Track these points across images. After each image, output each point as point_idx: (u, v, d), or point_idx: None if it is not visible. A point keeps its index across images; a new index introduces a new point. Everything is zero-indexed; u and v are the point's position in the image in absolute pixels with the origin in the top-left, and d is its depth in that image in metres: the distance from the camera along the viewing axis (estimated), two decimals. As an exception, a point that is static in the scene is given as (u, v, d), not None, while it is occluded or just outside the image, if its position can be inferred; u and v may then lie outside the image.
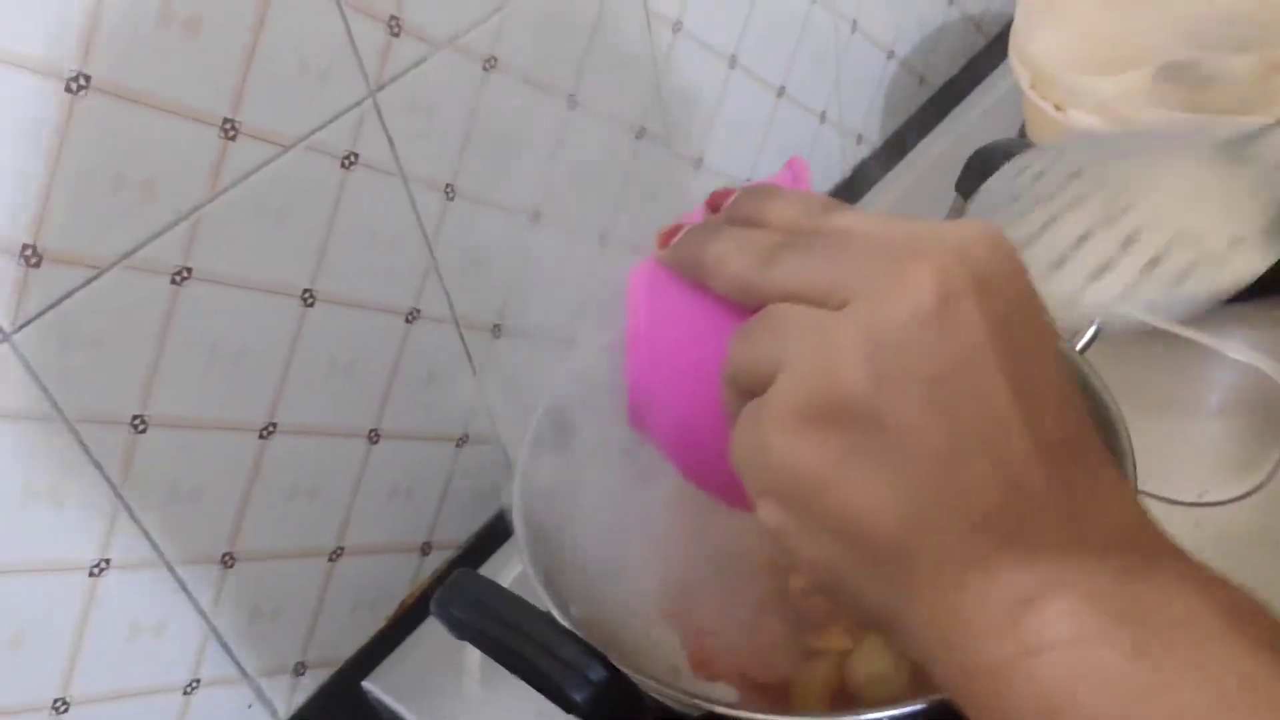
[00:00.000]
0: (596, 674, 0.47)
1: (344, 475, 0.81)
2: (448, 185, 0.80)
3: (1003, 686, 0.33)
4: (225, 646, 0.78)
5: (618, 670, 0.48)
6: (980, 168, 0.76)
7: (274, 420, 0.75)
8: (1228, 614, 0.32)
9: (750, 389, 0.38)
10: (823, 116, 1.15)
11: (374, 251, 0.77)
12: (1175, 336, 0.83)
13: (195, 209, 0.66)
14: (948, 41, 1.30)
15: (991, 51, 1.35)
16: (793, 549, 0.36)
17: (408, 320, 0.81)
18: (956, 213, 0.81)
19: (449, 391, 0.87)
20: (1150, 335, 0.80)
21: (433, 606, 0.53)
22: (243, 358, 0.71)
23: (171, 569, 0.73)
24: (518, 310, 0.89)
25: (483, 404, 0.90)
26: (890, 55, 1.21)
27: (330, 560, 0.83)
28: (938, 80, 1.31)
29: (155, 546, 0.71)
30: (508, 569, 0.81)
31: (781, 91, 1.08)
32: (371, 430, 0.82)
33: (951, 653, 0.34)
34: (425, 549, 0.90)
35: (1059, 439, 0.35)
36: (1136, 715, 0.31)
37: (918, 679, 0.64)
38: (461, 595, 0.52)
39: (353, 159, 0.73)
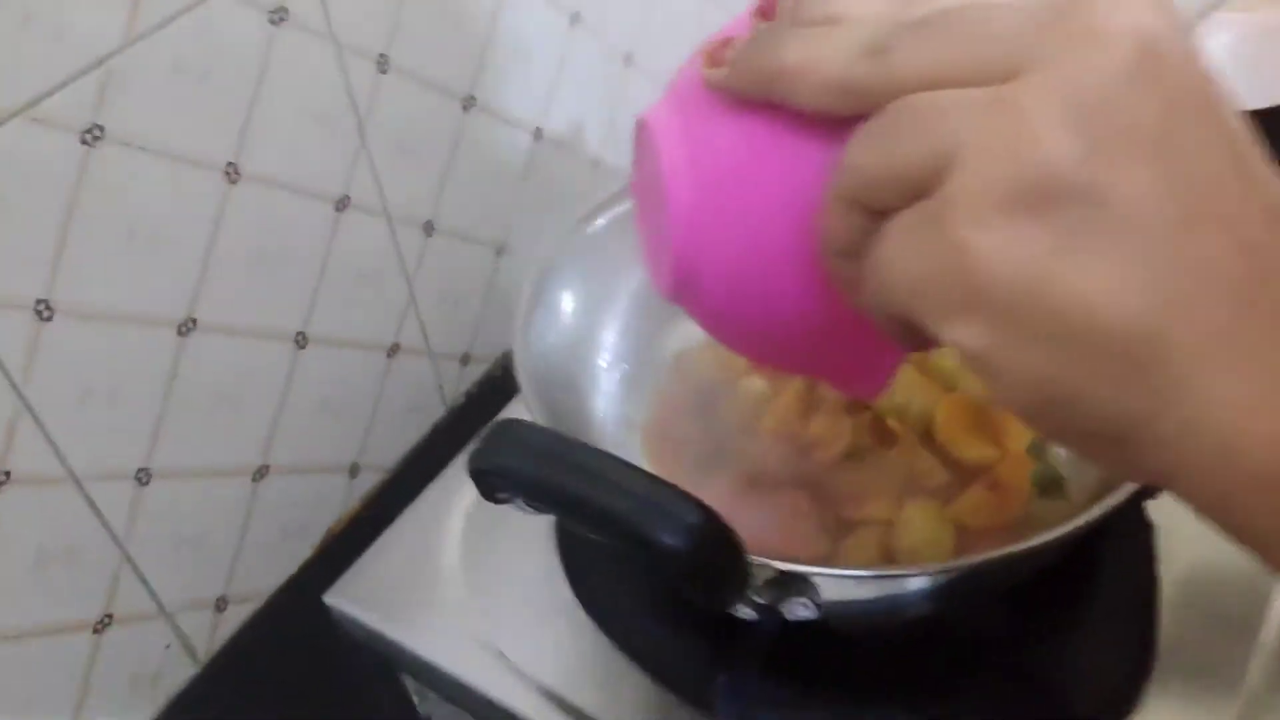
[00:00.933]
0: (694, 517, 0.41)
1: (269, 382, 0.73)
2: (381, 55, 0.72)
3: None
4: (141, 577, 0.69)
5: (714, 514, 0.42)
6: None
7: (194, 315, 0.66)
8: None
9: (891, 201, 0.32)
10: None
11: (303, 126, 0.68)
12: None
13: (109, 55, 0.57)
14: None
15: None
16: (1003, 373, 0.31)
17: (338, 209, 0.73)
18: None
19: (379, 293, 0.79)
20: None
21: (474, 461, 0.45)
22: (160, 238, 0.62)
23: (80, 485, 0.63)
24: (452, 205, 0.81)
25: (414, 310, 0.82)
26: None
27: (254, 480, 0.74)
28: None
29: (61, 458, 0.62)
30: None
31: (709, -12, 1.02)
32: (299, 333, 0.73)
33: (1230, 458, 0.29)
34: (354, 470, 0.82)
35: (1276, 201, 0.30)
36: None
37: (963, 543, 0.60)
38: (514, 442, 0.44)
39: (282, 14, 0.64)
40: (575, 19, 0.87)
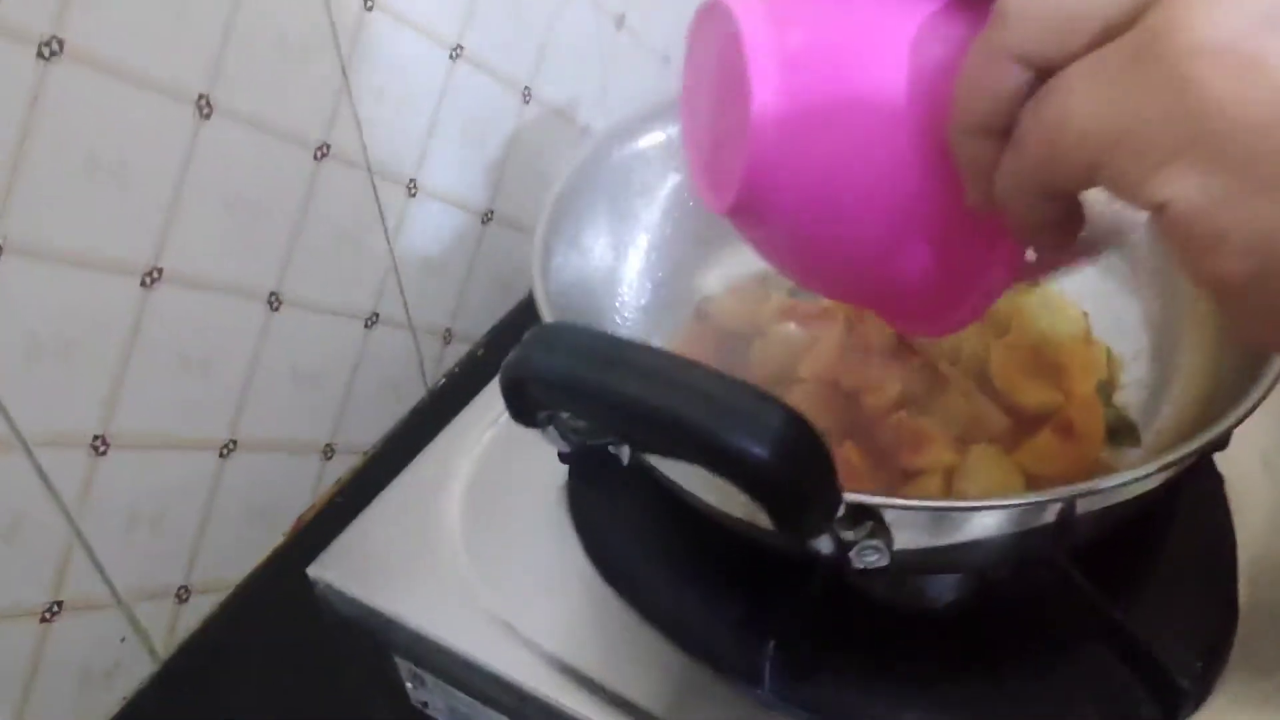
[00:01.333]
0: (778, 422, 0.34)
1: (239, 346, 0.66)
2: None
3: None
4: (95, 560, 0.61)
5: (806, 422, 0.35)
6: None
7: (159, 264, 0.59)
8: None
9: (1073, 45, 0.28)
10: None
11: (283, 61, 0.62)
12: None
13: (68, -41, 0.50)
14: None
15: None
16: (1228, 231, 0.26)
17: (316, 157, 0.66)
18: None
19: (359, 254, 0.72)
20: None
21: (509, 370, 0.38)
22: (124, 172, 0.56)
23: (29, 451, 0.56)
24: (437, 163, 0.75)
25: (395, 276, 0.76)
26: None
27: (221, 456, 0.67)
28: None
29: (9, 419, 0.55)
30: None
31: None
32: (272, 293, 0.67)
33: None
34: (328, 451, 0.75)
35: None
36: None
37: (1033, 485, 0.55)
38: (560, 345, 0.37)
39: (262, -69, 0.58)
40: (568, -28, 0.82)
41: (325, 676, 0.66)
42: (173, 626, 0.68)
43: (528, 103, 0.82)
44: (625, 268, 0.66)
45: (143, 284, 0.59)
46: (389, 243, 0.74)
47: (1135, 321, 0.65)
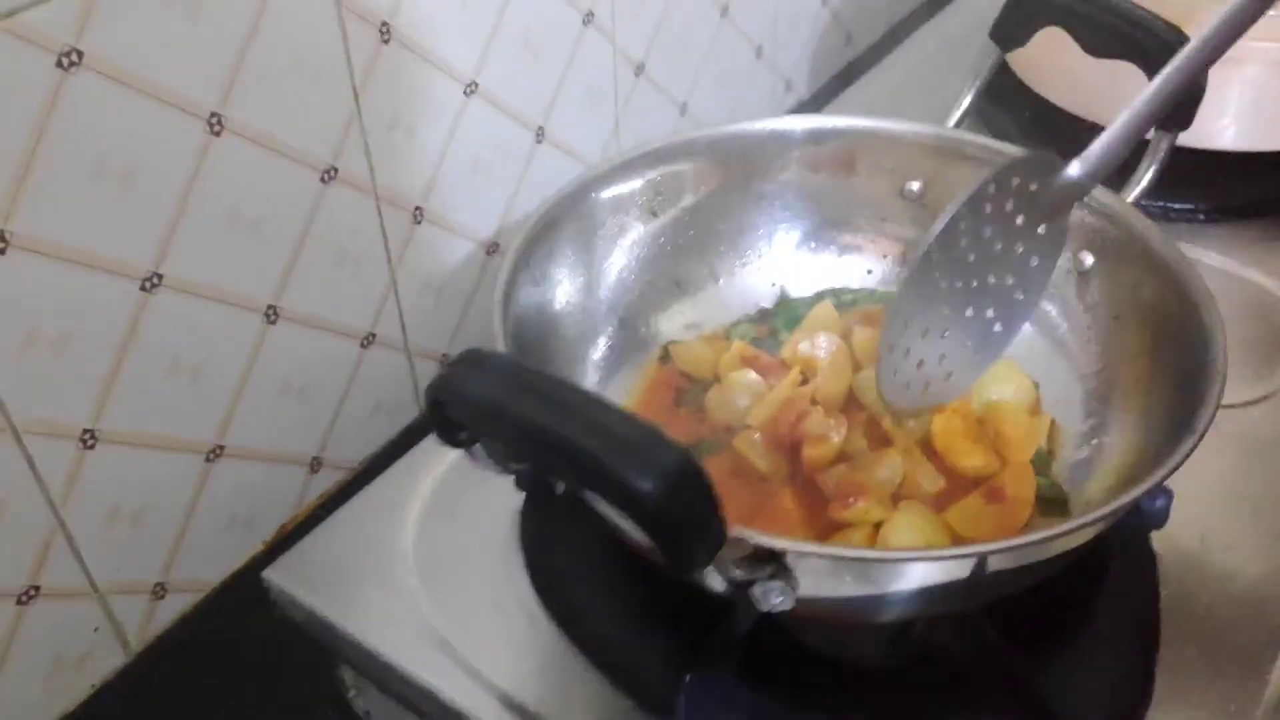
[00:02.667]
0: (668, 460, 0.36)
1: (233, 355, 0.68)
2: (384, 24, 0.69)
3: None
4: (75, 549, 0.64)
5: (694, 460, 0.37)
6: (1025, 11, 0.69)
7: (159, 270, 0.62)
8: None
9: None
10: (759, 51, 1.08)
11: (296, 84, 0.65)
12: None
13: (93, -24, 0.53)
14: (875, 2, 1.25)
15: (915, 19, 1.31)
16: None
17: (324, 180, 0.69)
18: (990, 67, 0.74)
19: (359, 276, 0.75)
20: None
21: (433, 390, 0.41)
22: (131, 179, 0.58)
23: (18, 437, 0.59)
24: (444, 194, 0.78)
25: (395, 299, 0.78)
26: (825, 2, 1.16)
27: (207, 460, 0.69)
28: (861, 43, 1.27)
29: (1, 406, 0.57)
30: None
31: (725, 10, 1.00)
32: (270, 307, 0.69)
33: None
34: (315, 465, 0.77)
35: None
36: None
37: (958, 545, 0.56)
38: (484, 371, 0.40)
39: (284, -38, 0.61)
40: (588, 19, 0.84)
41: (284, 680, 0.68)
42: (147, 621, 0.70)
43: (540, 142, 0.85)
44: (590, 308, 0.68)
45: (142, 288, 0.61)
46: (391, 267, 0.77)
47: (1080, 399, 0.66)
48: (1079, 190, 0.55)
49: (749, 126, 0.74)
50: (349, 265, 0.73)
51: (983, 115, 1.01)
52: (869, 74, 1.17)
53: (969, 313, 0.58)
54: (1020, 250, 0.57)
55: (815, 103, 1.18)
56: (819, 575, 0.45)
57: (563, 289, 0.66)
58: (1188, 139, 0.88)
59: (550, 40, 0.82)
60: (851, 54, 1.26)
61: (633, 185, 0.69)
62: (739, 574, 0.43)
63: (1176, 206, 0.90)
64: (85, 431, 0.62)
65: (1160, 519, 0.60)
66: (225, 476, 0.71)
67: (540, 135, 0.85)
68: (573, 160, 0.88)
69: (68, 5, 0.53)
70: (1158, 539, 0.63)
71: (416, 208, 0.77)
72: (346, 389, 0.77)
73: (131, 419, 0.64)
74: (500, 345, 0.55)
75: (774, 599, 0.44)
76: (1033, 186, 0.55)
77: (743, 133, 0.73)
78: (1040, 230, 0.57)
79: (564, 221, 0.66)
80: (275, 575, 0.62)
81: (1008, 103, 1.00)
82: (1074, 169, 0.55)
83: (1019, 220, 0.56)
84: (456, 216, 0.80)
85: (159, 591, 0.70)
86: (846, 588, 0.47)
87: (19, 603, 0.62)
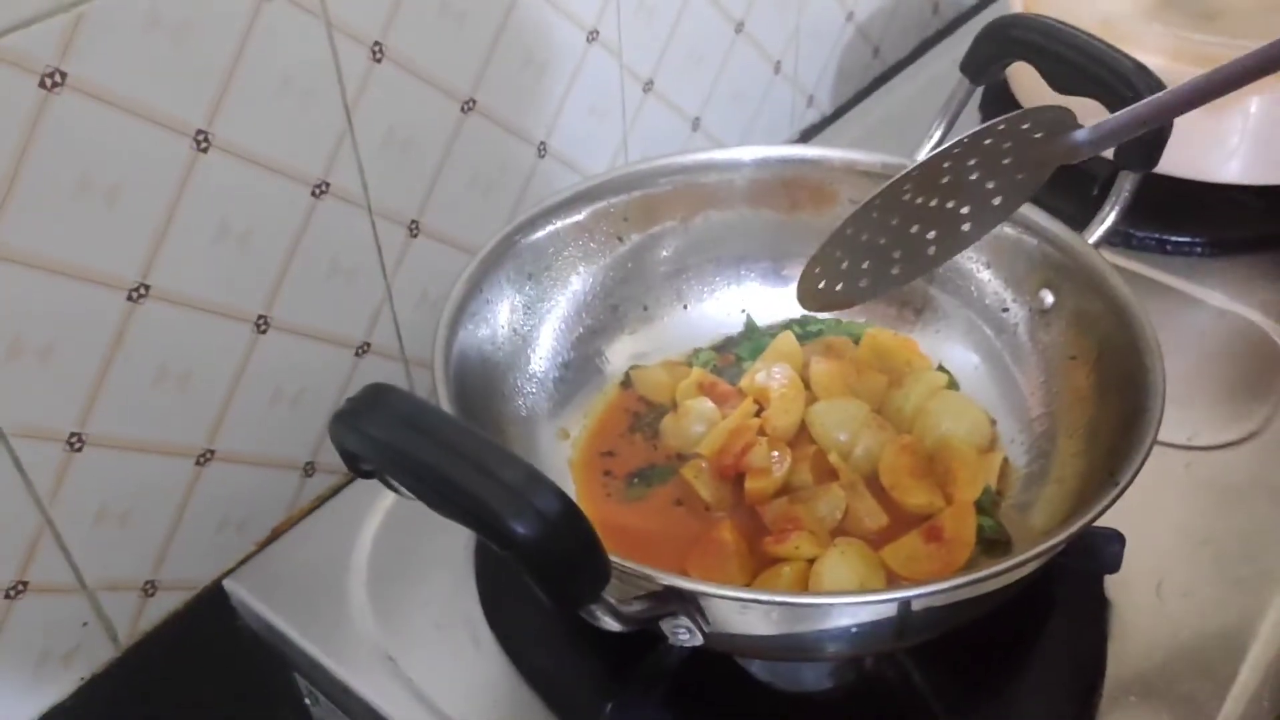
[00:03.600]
0: (548, 504, 0.37)
1: (223, 363, 0.70)
2: (376, 43, 0.70)
3: None
4: (63, 547, 0.66)
5: (571, 504, 0.38)
6: (992, 45, 0.69)
7: (147, 281, 0.64)
8: None
9: None
10: (778, 66, 1.08)
11: (285, 102, 0.67)
12: (1160, 285, 0.79)
13: (78, 2, 0.55)
14: (904, 16, 1.25)
15: (944, 36, 1.30)
16: None
17: (315, 194, 0.71)
18: (960, 101, 0.74)
19: (353, 288, 0.76)
20: (1134, 283, 0.75)
21: (335, 425, 0.42)
22: (117, 196, 0.61)
23: (5, 440, 0.61)
24: (441, 208, 0.79)
25: (390, 309, 0.80)
26: (850, 17, 1.15)
27: (198, 464, 0.72)
28: (891, 56, 1.26)
29: (-13, 410, 0.60)
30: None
31: (740, 26, 1.00)
32: (260, 316, 0.71)
33: None
34: (308, 470, 0.79)
35: None
36: None
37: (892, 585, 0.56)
38: (379, 409, 0.41)
39: (271, -16, 0.63)
40: (592, 36, 0.85)
41: (274, 679, 0.70)
42: (137, 617, 0.72)
43: (543, 156, 0.86)
44: (542, 337, 0.69)
45: (129, 298, 0.63)
46: (386, 278, 0.78)
47: (1027, 441, 0.66)
48: (1075, 153, 0.54)
49: (701, 157, 0.75)
50: (342, 276, 0.75)
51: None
52: (883, 89, 1.17)
53: (913, 229, 0.57)
54: (990, 186, 0.56)
55: (838, 118, 1.18)
56: (728, 613, 0.46)
57: (512, 322, 0.67)
58: (1190, 171, 0.87)
59: (552, 57, 0.83)
60: (880, 67, 1.25)
61: (581, 217, 0.71)
62: (641, 610, 0.43)
63: (1175, 239, 0.88)
64: (73, 435, 0.64)
65: (1113, 564, 0.60)
66: (216, 480, 0.73)
67: (543, 150, 0.86)
68: (575, 174, 0.89)
69: (52, 28, 0.55)
70: (1113, 584, 0.62)
71: (412, 221, 0.78)
72: (340, 397, 0.79)
73: (119, 423, 0.66)
74: (441, 388, 0.56)
75: (681, 636, 0.44)
76: (1037, 135, 0.55)
77: (696, 163, 0.73)
78: (1018, 176, 0.56)
79: (505, 260, 0.68)
80: (235, 585, 0.64)
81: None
82: (1081, 134, 0.54)
83: (1005, 161, 0.55)
84: (455, 230, 0.81)
85: (149, 589, 0.72)
86: (756, 627, 0.47)
87: (7, 597, 0.64)
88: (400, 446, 0.40)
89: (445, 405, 0.54)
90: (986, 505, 0.62)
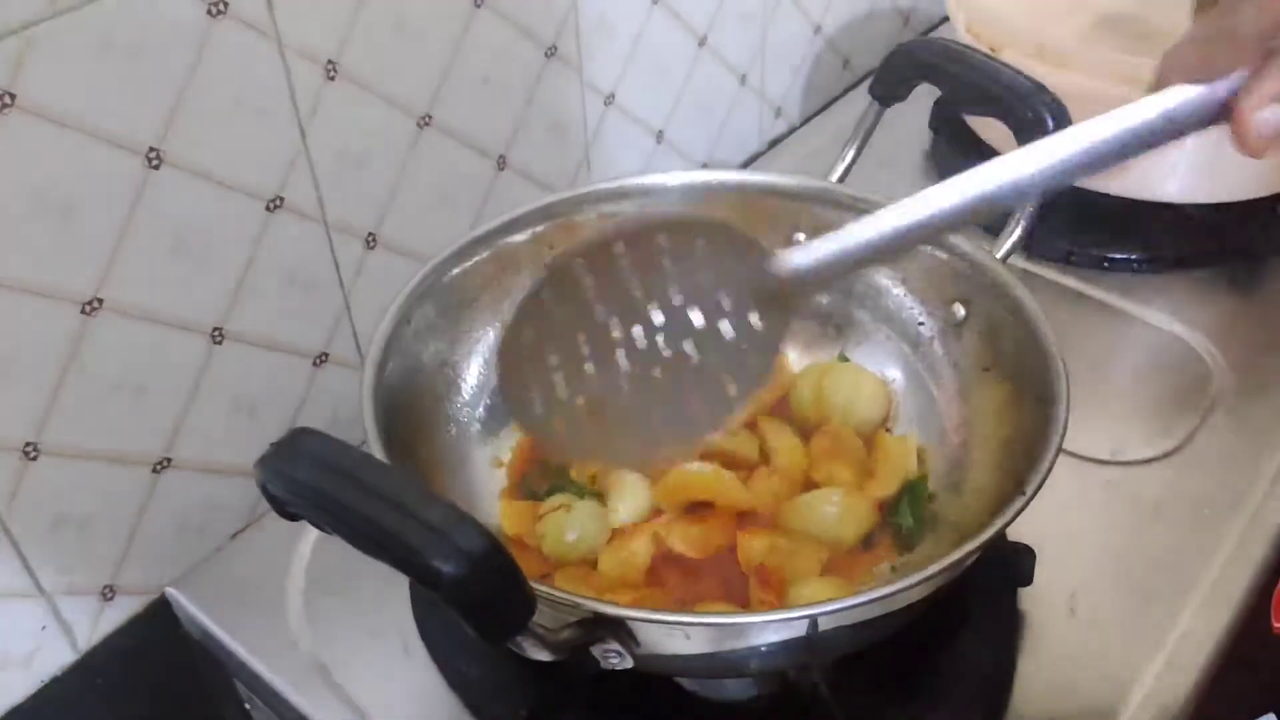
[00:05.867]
0: (469, 542, 0.39)
1: (179, 375, 0.72)
2: (330, 62, 0.72)
3: None
4: (20, 553, 0.68)
5: (494, 540, 0.40)
6: (899, 69, 0.71)
7: (100, 294, 0.65)
8: None
9: None
10: (743, 79, 1.09)
11: (238, 120, 0.68)
12: (1096, 301, 0.80)
13: (32, 23, 0.57)
14: (875, 28, 1.26)
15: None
16: None
17: (269, 209, 0.72)
18: (870, 124, 0.76)
19: (310, 299, 0.78)
20: (1071, 300, 0.76)
21: (258, 470, 0.44)
22: (70, 213, 0.62)
23: (-40, 450, 0.63)
24: (398, 222, 0.81)
25: (348, 319, 0.81)
26: (818, 30, 1.17)
27: (155, 471, 0.73)
28: (862, 66, 1.27)
29: (-58, 420, 0.61)
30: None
31: (704, 41, 1.02)
32: (216, 328, 0.73)
33: None
34: (268, 476, 0.81)
35: None
36: None
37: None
38: (301, 454, 0.43)
39: (222, 7, 0.64)
40: (550, 52, 0.87)
41: (204, 689, 0.71)
42: (96, 621, 0.74)
43: (502, 169, 0.88)
44: (470, 365, 0.71)
45: (83, 311, 0.65)
46: (344, 289, 0.80)
47: (945, 454, 0.67)
48: (797, 290, 0.46)
49: (629, 183, 0.75)
50: (299, 288, 0.77)
51: (936, 159, 1.02)
52: (846, 98, 1.18)
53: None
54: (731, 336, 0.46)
55: (808, 129, 1.19)
56: (657, 636, 0.47)
57: (439, 351, 0.69)
58: (1129, 190, 0.89)
59: (510, 73, 0.84)
60: (851, 79, 1.27)
61: (507, 244, 0.72)
62: (570, 638, 0.45)
63: (1113, 256, 0.90)
64: (27, 444, 0.65)
65: (1025, 578, 0.61)
66: (174, 487, 0.74)
67: (502, 163, 0.87)
68: (536, 186, 0.91)
69: (2, 50, 0.57)
70: (1027, 597, 0.64)
71: (369, 234, 0.80)
72: (300, 406, 0.81)
73: (75, 433, 0.67)
74: (370, 426, 0.57)
75: (611, 660, 0.46)
76: (735, 267, 0.46)
77: (620, 189, 0.74)
78: (754, 321, 0.46)
79: (432, 294, 0.69)
80: (178, 591, 0.65)
81: (962, 149, 1.01)
82: (785, 264, 0.45)
83: (724, 302, 0.46)
84: (413, 242, 0.83)
85: (108, 594, 0.74)
86: (684, 647, 0.49)
87: (-36, 601, 0.66)
88: (322, 489, 0.41)
89: (373, 443, 0.55)
90: (913, 501, 0.64)
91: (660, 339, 0.46)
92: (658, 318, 0.46)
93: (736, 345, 0.46)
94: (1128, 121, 0.43)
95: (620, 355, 0.46)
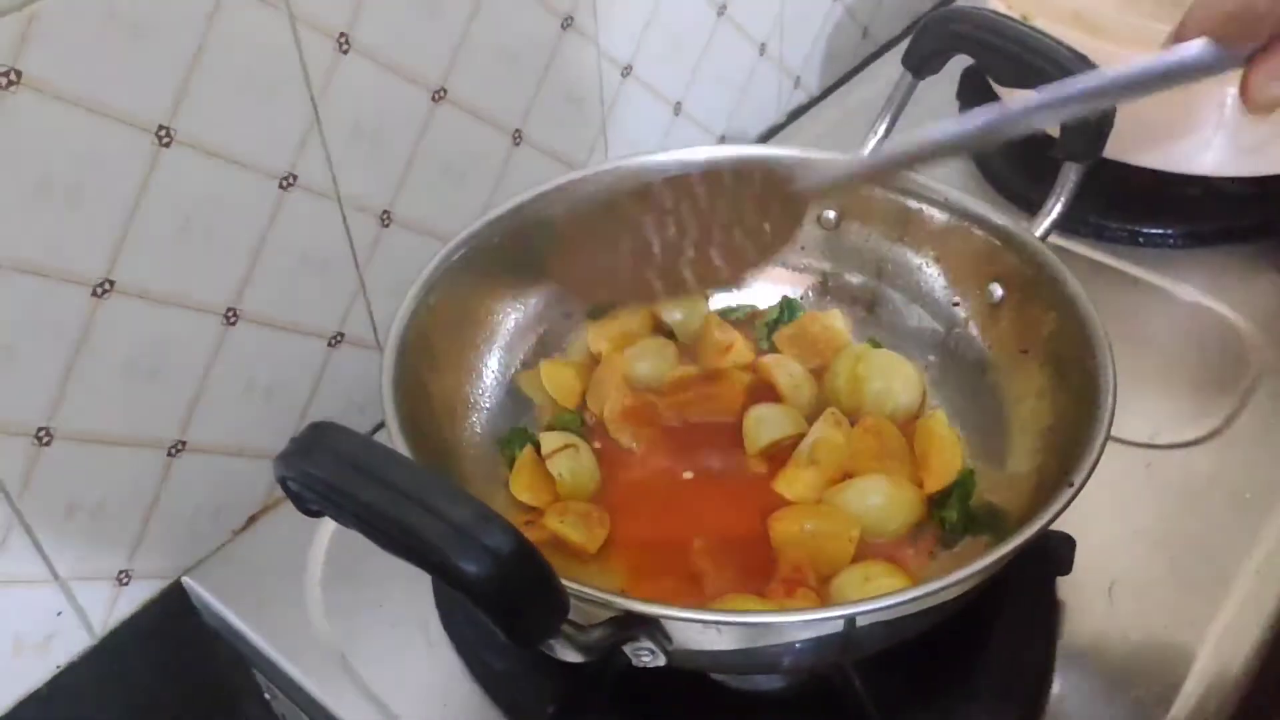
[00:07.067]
0: (497, 541, 0.37)
1: (192, 357, 0.71)
2: (342, 35, 0.70)
3: None
4: (34, 539, 0.67)
5: (523, 539, 0.38)
6: (933, 39, 0.69)
7: (110, 276, 0.64)
8: None
9: None
10: (763, 49, 1.07)
11: (249, 95, 0.67)
12: (1130, 277, 0.78)
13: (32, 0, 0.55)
14: (895, -4, 1.24)
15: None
16: None
17: (282, 186, 0.71)
18: (904, 95, 0.74)
19: (325, 278, 0.76)
20: (1105, 275, 0.74)
21: (277, 466, 0.43)
22: (79, 193, 0.61)
23: (-29, 436, 0.61)
24: (413, 198, 0.79)
25: (364, 299, 0.80)
26: (837, -3, 1.14)
27: (170, 455, 0.72)
28: (881, 35, 1.25)
29: (-48, 406, 0.60)
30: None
31: (723, 9, 1.00)
32: (230, 309, 0.71)
33: None
34: (284, 458, 0.79)
35: None
36: None
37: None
38: (321, 449, 0.41)
39: (231, -21, 0.63)
40: (567, 23, 0.85)
41: (221, 675, 0.70)
42: (112, 606, 0.73)
43: (518, 144, 0.86)
44: (487, 361, 0.69)
45: (94, 293, 0.64)
46: (358, 268, 0.78)
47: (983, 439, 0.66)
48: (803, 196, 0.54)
49: (649, 160, 0.73)
50: (313, 267, 0.75)
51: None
52: (868, 70, 1.16)
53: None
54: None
55: (826, 98, 1.17)
56: (690, 633, 0.46)
57: (457, 341, 0.67)
58: (1164, 163, 0.86)
59: (526, 44, 0.83)
60: (870, 47, 1.24)
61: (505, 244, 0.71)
62: (602, 637, 0.44)
63: (1147, 231, 0.88)
64: (40, 429, 0.64)
65: (1064, 567, 0.60)
66: (189, 471, 0.73)
67: (518, 138, 0.85)
68: (553, 161, 0.89)
69: (6, 27, 0.55)
70: (1065, 586, 0.62)
71: (384, 211, 0.78)
72: (315, 387, 0.80)
73: (87, 418, 0.66)
74: (391, 422, 0.56)
75: (644, 658, 0.45)
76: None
77: (643, 166, 0.73)
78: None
79: (440, 295, 0.68)
80: (194, 582, 0.64)
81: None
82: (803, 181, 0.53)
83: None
84: (428, 219, 0.81)
85: (123, 579, 0.73)
86: (717, 643, 0.47)
87: (-21, 587, 0.65)
88: (343, 487, 0.40)
89: (394, 435, 0.54)
90: (962, 496, 0.62)
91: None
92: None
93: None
94: (1150, 64, 0.45)
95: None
